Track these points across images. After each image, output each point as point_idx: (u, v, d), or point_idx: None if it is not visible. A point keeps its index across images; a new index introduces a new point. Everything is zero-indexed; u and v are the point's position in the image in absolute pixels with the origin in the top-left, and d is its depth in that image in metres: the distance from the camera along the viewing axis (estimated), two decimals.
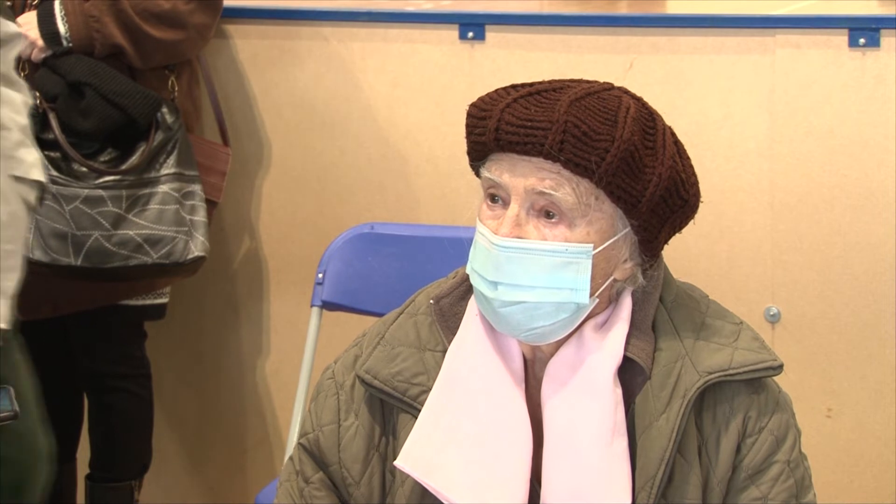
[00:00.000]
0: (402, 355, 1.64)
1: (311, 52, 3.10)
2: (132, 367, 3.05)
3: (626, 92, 1.59)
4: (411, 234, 2.71)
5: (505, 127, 1.52)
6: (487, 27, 2.93)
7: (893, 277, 2.70)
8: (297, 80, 3.12)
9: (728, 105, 2.77)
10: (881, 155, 2.68)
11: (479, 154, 1.57)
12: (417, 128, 3.02)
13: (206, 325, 3.30)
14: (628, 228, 1.55)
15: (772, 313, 2.79)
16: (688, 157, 1.60)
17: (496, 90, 1.58)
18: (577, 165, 1.50)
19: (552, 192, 1.51)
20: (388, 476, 1.64)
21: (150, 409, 3.11)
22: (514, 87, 1.58)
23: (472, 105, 1.58)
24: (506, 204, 1.54)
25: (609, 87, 1.58)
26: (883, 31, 2.64)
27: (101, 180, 2.79)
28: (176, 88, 2.91)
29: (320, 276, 2.74)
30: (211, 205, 2.95)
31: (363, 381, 1.63)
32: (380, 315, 2.75)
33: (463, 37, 2.94)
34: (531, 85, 1.57)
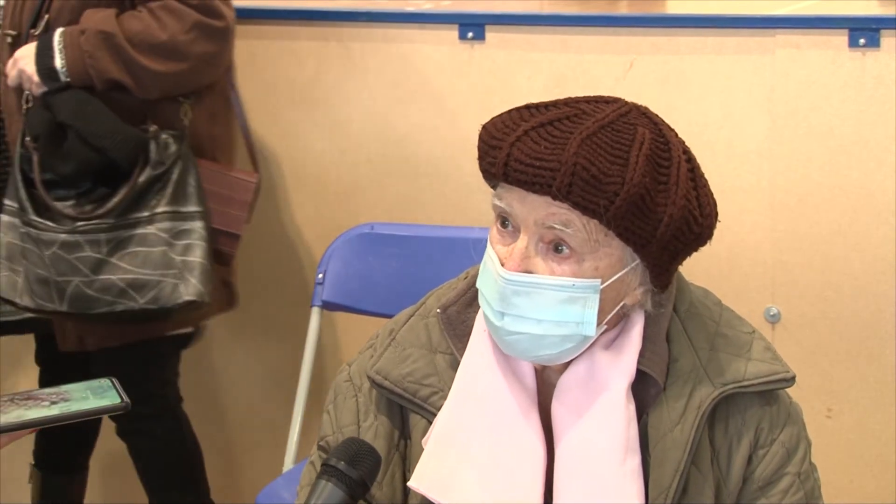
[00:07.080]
0: (412, 357, 1.63)
1: (311, 52, 3.09)
2: (155, 408, 2.92)
3: (645, 114, 1.54)
4: (411, 234, 2.71)
5: (514, 164, 1.48)
6: (487, 27, 2.92)
7: (893, 277, 2.69)
8: (297, 80, 3.11)
9: (728, 105, 2.76)
10: (881, 155, 2.67)
11: (490, 177, 1.55)
12: (417, 128, 3.02)
13: (205, 325, 3.30)
14: (637, 261, 1.53)
15: (772, 313, 2.79)
16: (704, 186, 1.55)
17: (509, 112, 1.54)
18: (584, 209, 1.46)
19: (562, 228, 1.48)
20: (409, 476, 1.62)
21: (182, 449, 2.99)
22: (528, 109, 1.53)
23: (484, 128, 1.54)
24: (516, 230, 1.52)
25: (625, 112, 1.52)
26: (883, 32, 2.64)
27: (77, 224, 2.65)
28: (188, 116, 2.76)
29: (320, 276, 2.74)
30: (232, 238, 2.80)
31: (374, 382, 1.62)
32: (380, 315, 2.75)
33: (463, 37, 2.94)
34: (546, 109, 1.52)
